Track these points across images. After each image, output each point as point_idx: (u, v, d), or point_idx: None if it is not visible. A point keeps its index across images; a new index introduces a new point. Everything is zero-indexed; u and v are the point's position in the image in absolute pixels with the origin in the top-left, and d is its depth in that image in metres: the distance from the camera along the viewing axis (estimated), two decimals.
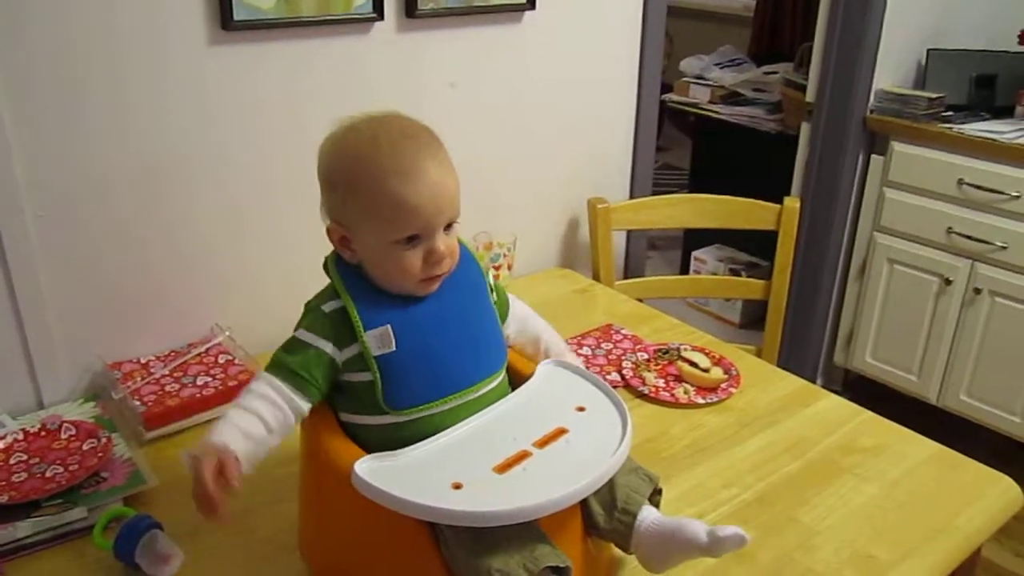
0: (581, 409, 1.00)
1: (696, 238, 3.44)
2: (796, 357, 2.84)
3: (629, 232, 2.03)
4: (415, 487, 0.86)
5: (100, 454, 1.18)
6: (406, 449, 0.92)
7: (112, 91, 1.25)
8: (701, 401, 1.36)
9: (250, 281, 1.46)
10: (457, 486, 0.87)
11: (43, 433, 1.24)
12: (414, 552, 0.90)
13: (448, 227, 0.92)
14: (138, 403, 1.27)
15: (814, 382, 2.86)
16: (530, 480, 0.89)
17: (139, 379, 1.32)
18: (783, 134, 2.95)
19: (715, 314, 3.29)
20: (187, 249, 1.40)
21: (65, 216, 1.27)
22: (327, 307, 0.95)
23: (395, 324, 0.93)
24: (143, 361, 1.38)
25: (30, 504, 1.09)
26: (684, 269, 3.60)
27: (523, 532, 0.87)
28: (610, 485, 0.96)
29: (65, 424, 1.25)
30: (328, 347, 0.93)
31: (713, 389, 1.39)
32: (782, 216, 1.83)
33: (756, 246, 3.16)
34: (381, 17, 1.44)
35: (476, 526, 0.84)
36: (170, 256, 1.39)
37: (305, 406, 0.93)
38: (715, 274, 3.39)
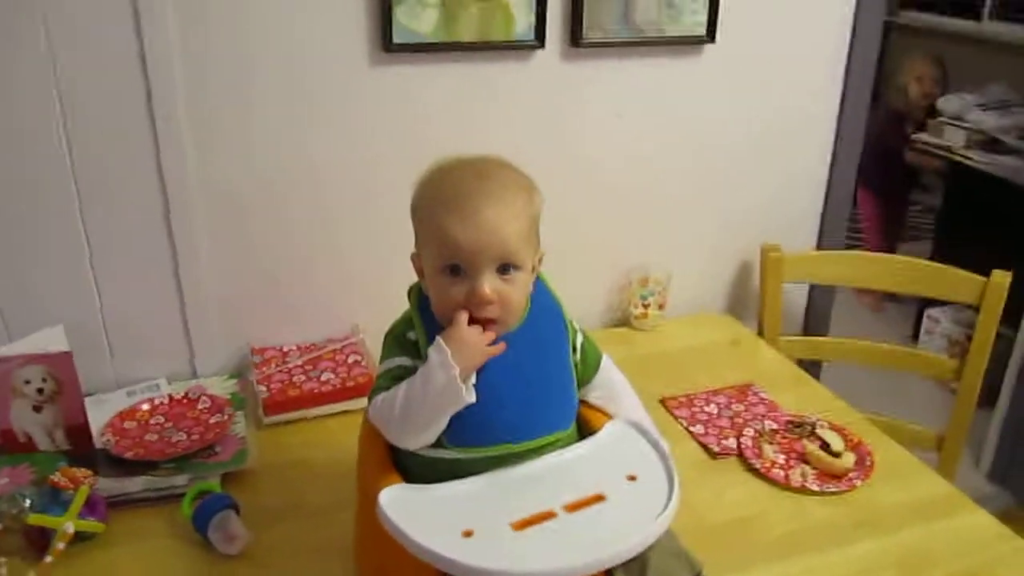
0: (632, 478, 0.95)
1: None
2: (1022, 450, 2.47)
3: (812, 284, 1.87)
4: (427, 527, 0.86)
5: (218, 429, 1.30)
6: (434, 485, 0.92)
7: (280, 102, 1.37)
8: (816, 488, 1.22)
9: (391, 290, 1.52)
10: (467, 534, 0.86)
11: (185, 400, 1.38)
12: None
13: (505, 272, 0.91)
14: (264, 388, 1.38)
15: None
16: (544, 543, 0.85)
17: (274, 366, 1.44)
18: None
19: (944, 387, 2.93)
20: (337, 251, 1.49)
21: (230, 211, 1.41)
22: (403, 335, 0.98)
23: None
24: (284, 349, 1.49)
25: (149, 464, 1.23)
26: (917, 328, 3.25)
27: None
28: (643, 564, 0.90)
29: (204, 396, 1.38)
30: (407, 361, 0.96)
31: (837, 477, 1.24)
32: (986, 291, 1.59)
33: (1012, 314, 2.76)
34: (543, 45, 1.44)
35: None
36: (322, 255, 1.49)
37: None
38: (949, 337, 3.04)
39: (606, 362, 1.07)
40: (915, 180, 3.50)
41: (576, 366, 1.01)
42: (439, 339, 0.90)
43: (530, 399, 0.95)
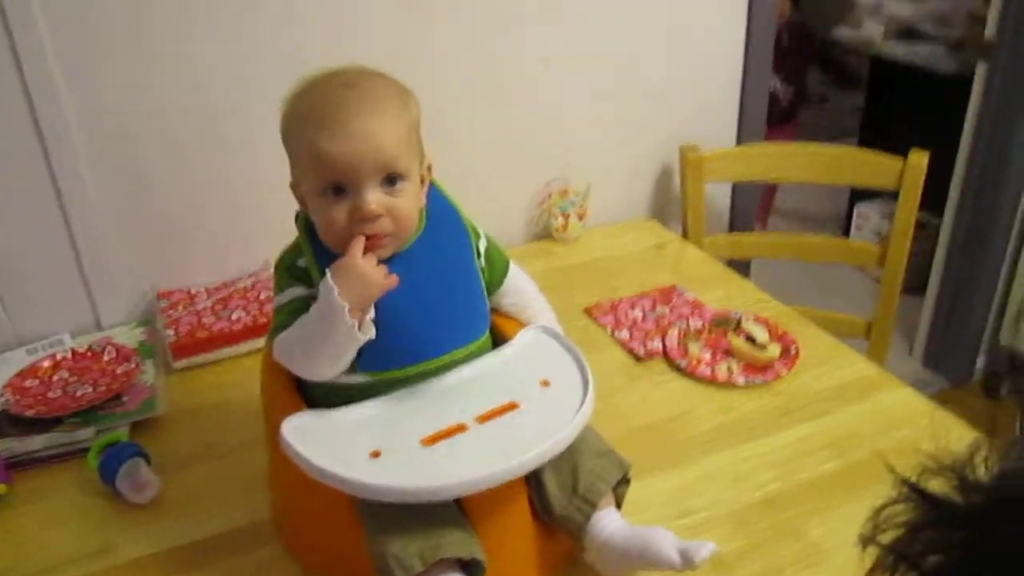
0: (546, 384, 0.92)
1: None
2: (952, 334, 2.53)
3: (735, 183, 1.85)
4: (333, 452, 0.83)
5: (125, 379, 1.24)
6: (339, 409, 0.88)
7: (144, 23, 1.27)
8: (742, 381, 1.21)
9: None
10: (375, 454, 0.83)
11: (89, 354, 1.31)
12: (339, 517, 0.87)
13: (391, 183, 0.85)
14: (171, 332, 1.32)
15: (973, 364, 2.58)
16: (455, 456, 0.82)
17: (182, 308, 1.37)
18: (964, 77, 2.56)
19: (874, 276, 2.97)
20: (240, 182, 1.41)
21: (116, 147, 1.32)
22: (293, 263, 0.92)
23: None
24: (192, 291, 1.42)
25: (53, 420, 1.17)
26: (849, 224, 3.28)
27: (435, 514, 0.81)
28: (573, 467, 0.89)
29: (109, 347, 1.32)
30: (302, 290, 0.91)
31: (762, 369, 1.24)
32: (905, 173, 1.58)
33: (937, 201, 2.77)
34: None
35: (369, 499, 0.79)
36: (223, 189, 1.41)
37: None
38: (879, 233, 3.07)
39: (514, 268, 1.03)
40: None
41: (483, 271, 0.97)
42: (328, 273, 0.84)
43: (436, 315, 0.91)
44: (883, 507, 0.47)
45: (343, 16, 1.38)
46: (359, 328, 0.82)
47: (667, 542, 0.82)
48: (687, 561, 0.81)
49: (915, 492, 0.45)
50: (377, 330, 0.85)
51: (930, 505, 0.45)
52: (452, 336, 0.92)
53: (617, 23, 1.59)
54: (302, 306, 0.88)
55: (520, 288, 1.03)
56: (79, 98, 1.26)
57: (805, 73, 3.03)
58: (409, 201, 0.87)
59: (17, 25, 1.18)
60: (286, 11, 1.35)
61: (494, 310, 1.00)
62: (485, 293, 0.97)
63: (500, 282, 1.01)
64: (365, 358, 0.87)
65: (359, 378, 0.89)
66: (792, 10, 2.80)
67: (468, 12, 1.47)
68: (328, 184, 0.84)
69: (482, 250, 0.98)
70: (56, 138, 1.26)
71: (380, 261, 0.87)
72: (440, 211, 0.94)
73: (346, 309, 0.81)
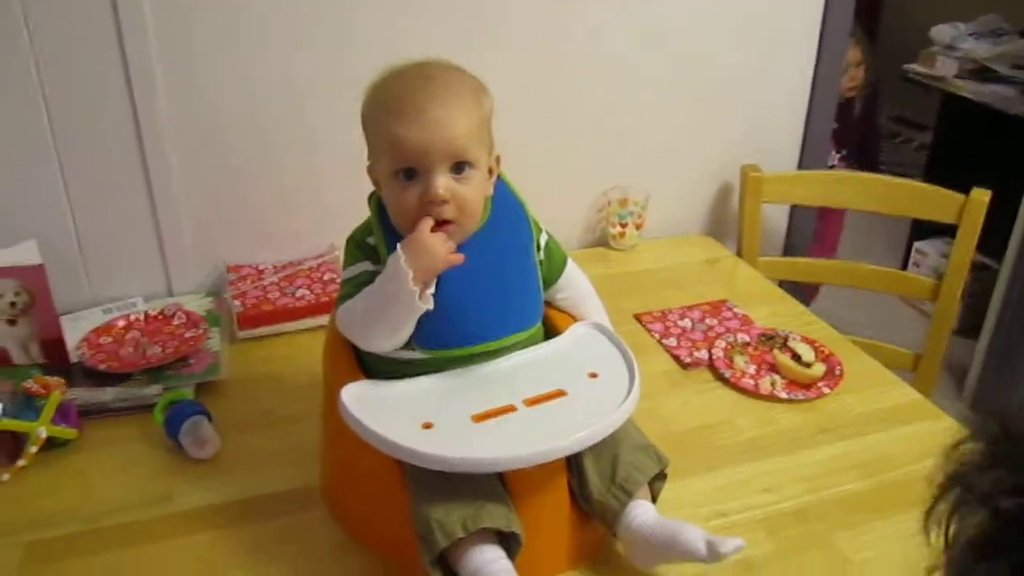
0: (594, 375, 0.96)
1: (925, 225, 3.03)
2: (1003, 380, 2.49)
3: (793, 207, 1.86)
4: (387, 420, 0.87)
5: (192, 343, 1.31)
6: (396, 382, 0.93)
7: (258, 19, 1.35)
8: (784, 396, 1.23)
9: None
10: (427, 426, 0.87)
11: (160, 317, 1.39)
12: (385, 485, 0.91)
13: (459, 171, 0.90)
14: (238, 303, 1.38)
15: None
16: (502, 434, 0.87)
17: (250, 283, 1.44)
18: None
19: (928, 313, 2.94)
20: (314, 170, 1.48)
21: (204, 130, 1.39)
22: (363, 240, 0.98)
23: None
24: (260, 267, 1.49)
25: (123, 375, 1.24)
26: (907, 260, 3.25)
27: (480, 487, 0.85)
28: (613, 457, 0.92)
29: (179, 312, 1.39)
30: (369, 266, 0.96)
31: (806, 386, 1.25)
32: (965, 209, 1.58)
33: (997, 245, 2.74)
34: None
35: (424, 466, 0.83)
36: (299, 175, 1.48)
37: None
38: (936, 270, 3.04)
39: (571, 266, 1.07)
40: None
41: (541, 263, 1.01)
42: (399, 245, 0.89)
43: (493, 300, 0.95)
44: (958, 443, 0.43)
45: (415, 16, 1.45)
46: (419, 297, 0.87)
47: (695, 533, 0.85)
48: (713, 553, 0.84)
49: (999, 427, 0.42)
50: (436, 307, 0.90)
51: (1011, 445, 0.42)
52: (506, 322, 0.96)
53: (688, 39, 1.63)
54: (368, 279, 0.93)
55: (575, 284, 1.07)
56: (173, 81, 1.34)
57: (873, 152, 2.73)
58: (475, 189, 0.92)
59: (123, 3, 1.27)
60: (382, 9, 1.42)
61: (549, 304, 1.05)
62: (541, 285, 1.01)
63: (557, 277, 1.05)
64: (422, 334, 0.92)
65: (416, 354, 0.93)
66: (868, 72, 2.51)
67: (536, 18, 1.51)
68: (401, 167, 0.89)
69: (542, 244, 1.02)
70: (149, 116, 1.34)
71: None
72: (505, 202, 0.99)
73: (410, 275, 0.86)
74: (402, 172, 0.89)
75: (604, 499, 0.91)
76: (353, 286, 0.95)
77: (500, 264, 0.97)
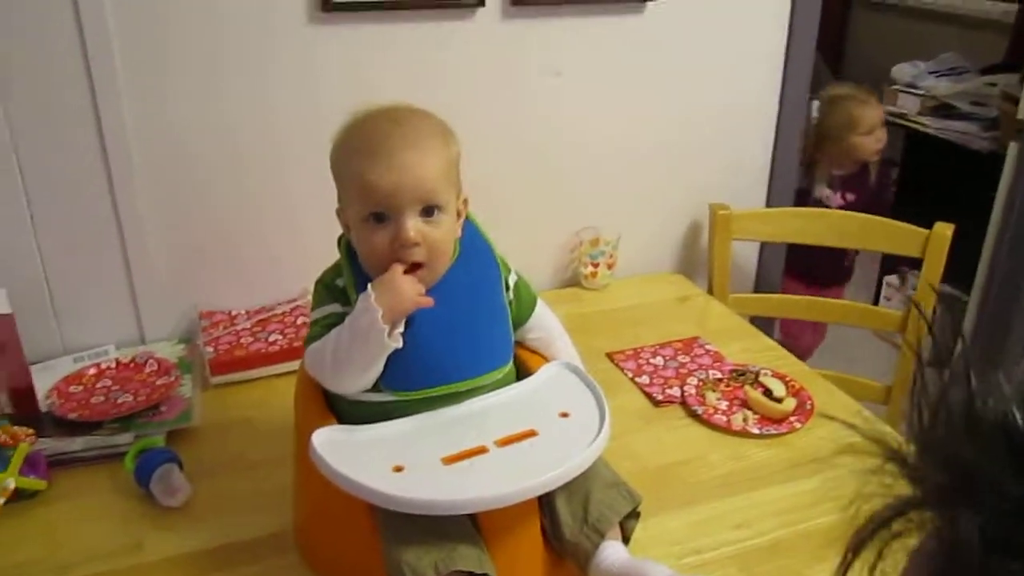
0: (565, 415, 0.96)
1: (896, 258, 3.08)
2: None
3: (763, 244, 1.89)
4: (358, 464, 0.87)
5: (164, 390, 1.30)
6: (366, 426, 0.93)
7: (215, 52, 1.36)
8: (756, 431, 1.24)
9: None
10: (398, 469, 0.87)
11: (132, 365, 1.38)
12: (357, 529, 0.91)
13: (429, 214, 0.91)
14: (211, 349, 1.38)
15: None
16: (474, 476, 0.87)
17: (222, 328, 1.44)
18: (997, 154, 2.60)
19: (900, 345, 2.98)
20: (287, 213, 1.49)
21: (175, 178, 1.40)
22: (332, 282, 0.99)
23: None
24: (233, 313, 1.49)
25: (94, 424, 1.23)
26: (877, 297, 3.30)
27: (452, 529, 0.85)
28: (585, 496, 0.93)
29: (151, 360, 1.38)
30: (338, 307, 0.97)
31: (778, 421, 1.27)
32: (929, 243, 1.62)
33: (966, 276, 2.78)
34: (483, 3, 1.45)
35: (396, 510, 0.83)
36: (271, 219, 1.48)
37: None
38: (907, 303, 3.08)
39: (541, 306, 1.08)
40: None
41: (510, 304, 1.02)
42: (370, 285, 0.90)
43: (462, 341, 0.96)
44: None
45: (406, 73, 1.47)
46: (388, 335, 0.87)
47: (662, 573, 0.85)
48: None
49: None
50: (404, 348, 0.90)
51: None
52: (475, 362, 0.97)
53: (655, 82, 1.66)
54: (337, 321, 0.94)
55: (545, 325, 1.09)
56: (145, 124, 1.35)
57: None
58: (445, 232, 0.93)
59: (90, 33, 1.27)
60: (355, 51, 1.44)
61: (520, 344, 1.06)
62: (511, 325, 1.02)
63: (527, 317, 1.06)
64: (391, 376, 0.92)
65: (385, 396, 0.94)
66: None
67: (506, 62, 1.54)
68: (371, 211, 0.90)
69: (511, 284, 1.03)
70: (120, 162, 1.35)
71: None
72: (474, 244, 1.00)
73: (380, 313, 0.87)
74: (372, 216, 0.91)
75: (576, 539, 0.91)
76: (321, 327, 0.96)
77: (469, 305, 0.98)
